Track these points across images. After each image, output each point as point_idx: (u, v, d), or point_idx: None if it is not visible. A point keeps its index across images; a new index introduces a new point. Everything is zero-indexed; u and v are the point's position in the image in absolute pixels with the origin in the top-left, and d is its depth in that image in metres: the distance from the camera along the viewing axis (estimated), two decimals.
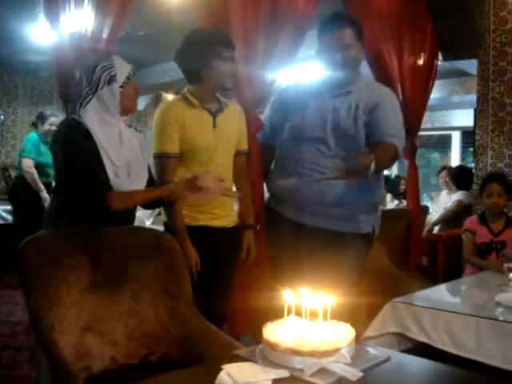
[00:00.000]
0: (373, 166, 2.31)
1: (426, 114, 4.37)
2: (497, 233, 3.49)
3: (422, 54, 4.24)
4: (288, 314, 1.70)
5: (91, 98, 2.21)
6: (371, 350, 1.74)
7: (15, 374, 3.25)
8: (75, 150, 2.15)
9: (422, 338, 2.42)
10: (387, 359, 1.69)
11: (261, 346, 1.65)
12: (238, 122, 2.74)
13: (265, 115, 2.95)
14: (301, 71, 4.06)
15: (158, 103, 2.52)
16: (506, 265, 2.81)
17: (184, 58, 2.58)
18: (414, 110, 4.17)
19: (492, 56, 4.46)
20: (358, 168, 2.28)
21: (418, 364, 1.81)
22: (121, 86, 2.24)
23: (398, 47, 4.06)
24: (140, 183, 2.31)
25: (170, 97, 7.72)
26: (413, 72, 4.14)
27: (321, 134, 2.68)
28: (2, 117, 8.53)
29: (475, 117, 4.71)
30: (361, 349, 1.70)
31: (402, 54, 4.08)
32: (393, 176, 9.19)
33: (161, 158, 2.57)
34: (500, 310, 2.42)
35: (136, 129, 2.45)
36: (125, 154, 2.27)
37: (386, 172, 11.46)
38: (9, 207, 6.22)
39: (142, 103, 9.17)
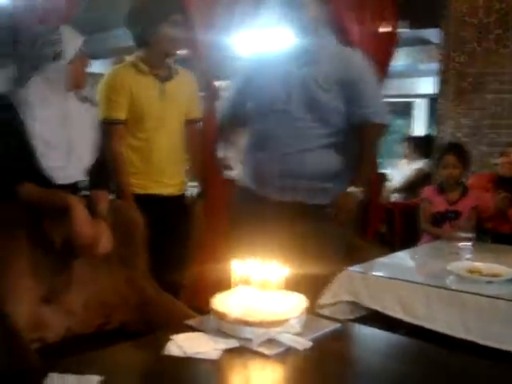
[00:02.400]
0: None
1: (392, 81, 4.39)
2: (452, 202, 3.55)
3: (384, 23, 4.23)
4: (238, 285, 1.72)
5: (32, 75, 2.03)
6: (322, 320, 1.78)
7: None
8: None
9: (375, 306, 2.47)
10: (337, 329, 1.73)
11: (211, 317, 1.68)
12: (189, 89, 2.71)
13: (229, 95, 2.82)
14: (263, 38, 4.02)
15: None
16: (459, 234, 2.87)
17: (133, 21, 2.55)
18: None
19: (453, 26, 4.49)
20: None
21: (367, 333, 1.86)
22: (69, 63, 2.05)
23: (360, 15, 4.05)
24: (80, 166, 2.14)
25: None
26: (374, 40, 4.13)
27: (286, 107, 2.58)
28: None
29: (438, 86, 4.75)
30: (312, 318, 1.73)
31: (364, 22, 4.07)
32: None
33: (108, 124, 2.52)
34: (451, 277, 2.49)
35: (92, 102, 2.26)
36: (67, 135, 2.08)
37: None
38: None
39: (103, 66, 8.96)
